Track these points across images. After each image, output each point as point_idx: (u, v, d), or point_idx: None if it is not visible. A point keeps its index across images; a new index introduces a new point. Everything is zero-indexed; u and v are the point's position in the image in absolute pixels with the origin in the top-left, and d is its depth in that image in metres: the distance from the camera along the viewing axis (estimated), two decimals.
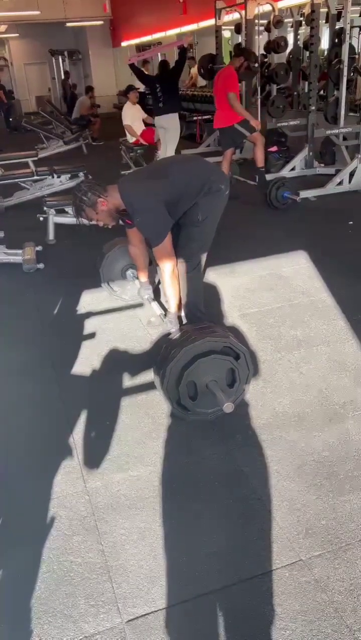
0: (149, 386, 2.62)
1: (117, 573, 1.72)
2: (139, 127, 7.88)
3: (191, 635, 1.53)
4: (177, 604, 1.62)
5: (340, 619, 1.53)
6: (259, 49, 7.85)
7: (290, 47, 8.84)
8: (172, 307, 2.80)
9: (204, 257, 2.88)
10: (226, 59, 8.60)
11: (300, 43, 8.67)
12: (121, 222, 2.86)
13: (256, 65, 7.62)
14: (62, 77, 15.72)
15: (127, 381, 2.76)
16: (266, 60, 8.77)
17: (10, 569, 1.76)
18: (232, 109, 5.64)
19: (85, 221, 2.72)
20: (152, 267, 3.33)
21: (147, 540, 1.83)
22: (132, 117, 7.85)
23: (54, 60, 16.54)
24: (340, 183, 5.97)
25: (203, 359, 2.24)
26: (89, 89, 12.01)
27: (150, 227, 2.67)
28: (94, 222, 2.74)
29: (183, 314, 2.92)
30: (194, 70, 11.56)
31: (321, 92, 8.34)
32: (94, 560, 1.76)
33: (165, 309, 3.06)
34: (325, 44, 8.89)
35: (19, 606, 1.63)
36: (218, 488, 2.04)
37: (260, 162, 6.03)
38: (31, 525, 1.93)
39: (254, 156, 6.10)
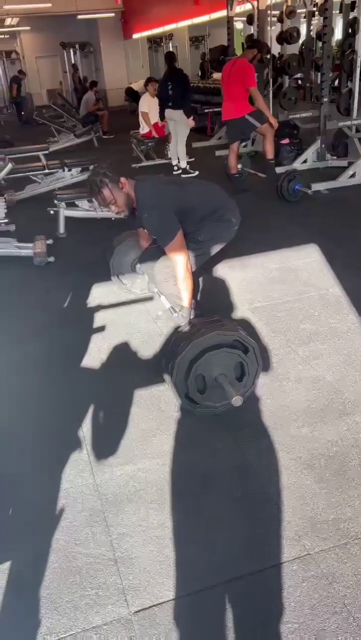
0: (158, 380, 2.62)
1: (125, 565, 1.73)
2: (154, 119, 7.83)
3: (198, 626, 1.54)
4: (185, 595, 1.62)
5: (347, 612, 1.53)
6: (271, 40, 7.76)
7: (303, 37, 8.74)
8: (184, 301, 2.79)
9: (198, 262, 2.87)
10: (238, 51, 8.51)
11: (313, 34, 8.58)
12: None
13: (268, 56, 7.55)
14: (72, 70, 15.70)
15: (137, 374, 2.76)
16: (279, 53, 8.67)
17: (19, 560, 1.77)
18: (244, 100, 5.57)
19: (97, 206, 2.69)
20: (152, 263, 3.32)
21: (155, 533, 1.83)
22: (150, 107, 7.82)
23: (65, 53, 16.52)
24: (353, 176, 5.91)
25: (212, 353, 2.24)
26: (93, 84, 11.94)
27: (158, 227, 2.65)
28: (104, 209, 2.71)
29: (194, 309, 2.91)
30: None
31: (334, 83, 8.24)
32: (102, 552, 1.78)
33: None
34: (338, 34, 8.78)
35: (28, 596, 1.65)
36: (226, 481, 2.04)
37: (270, 154, 5.98)
38: (40, 516, 1.94)
39: (263, 149, 6.05)
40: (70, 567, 1.73)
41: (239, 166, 6.31)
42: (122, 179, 2.59)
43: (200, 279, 2.99)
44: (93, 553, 1.78)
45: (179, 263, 2.63)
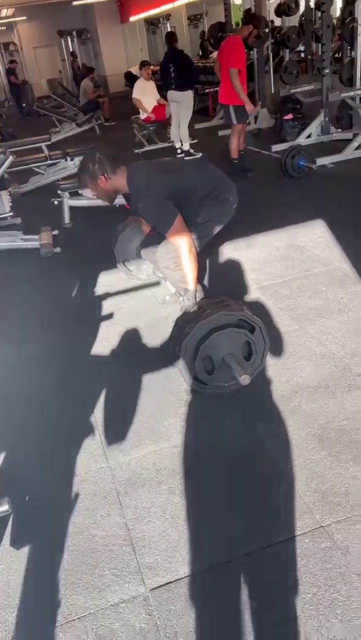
0: (167, 363, 2.64)
1: (140, 544, 1.76)
2: (151, 103, 7.76)
3: (214, 601, 1.57)
4: (200, 572, 1.65)
5: (360, 582, 1.55)
6: (269, 13, 7.61)
7: (302, 8, 8.55)
8: (190, 283, 2.79)
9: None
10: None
11: (312, 4, 8.38)
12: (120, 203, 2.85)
13: (267, 30, 7.42)
14: (71, 58, 15.57)
15: (145, 359, 2.78)
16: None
17: (37, 544, 1.82)
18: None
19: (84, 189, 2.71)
20: (153, 248, 3.31)
21: (169, 512, 1.86)
22: (143, 92, 7.72)
23: (62, 41, 16.37)
24: (358, 148, 5.82)
25: (218, 333, 2.24)
26: (90, 70, 11.80)
27: (155, 215, 2.65)
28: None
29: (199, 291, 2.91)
30: None
31: (336, 54, 8.08)
32: (117, 533, 1.81)
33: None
34: (338, 3, 8.57)
35: (48, 577, 1.69)
36: (237, 458, 2.06)
37: (235, 153, 5.72)
38: (56, 501, 1.98)
39: (229, 146, 5.74)
40: (87, 549, 1.77)
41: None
42: (102, 177, 2.58)
43: (206, 261, 2.97)
44: (109, 534, 1.81)
45: (182, 246, 2.62)
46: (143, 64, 7.94)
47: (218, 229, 2.91)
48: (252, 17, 5.81)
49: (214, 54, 11.41)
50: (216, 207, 2.81)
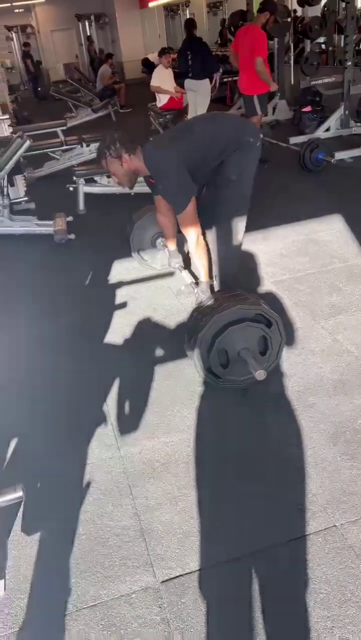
0: (180, 354, 2.62)
1: (151, 536, 1.76)
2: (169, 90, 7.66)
3: (225, 596, 1.56)
4: (211, 566, 1.64)
5: None
6: (291, 2, 7.48)
7: None
8: (202, 275, 2.76)
9: (244, 221, 2.75)
10: None
11: None
12: (148, 186, 2.81)
13: (288, 20, 7.30)
14: (88, 42, 15.45)
15: (159, 350, 2.76)
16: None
17: (49, 531, 1.82)
18: (256, 74, 5.32)
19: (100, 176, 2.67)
20: (181, 235, 3.28)
21: (181, 505, 1.85)
22: (161, 80, 7.63)
23: (80, 25, 16.22)
24: None
25: (235, 327, 2.22)
26: (108, 56, 11.69)
27: (173, 193, 2.60)
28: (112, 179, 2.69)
29: (214, 282, 2.88)
30: None
31: (358, 46, 7.94)
32: (128, 524, 1.81)
33: (196, 278, 3.03)
34: None
35: (59, 567, 1.69)
36: (251, 454, 2.05)
37: None
38: (68, 490, 1.98)
39: None
40: (98, 538, 1.77)
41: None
42: (125, 155, 2.54)
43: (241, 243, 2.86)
44: (120, 524, 1.81)
45: (190, 237, 2.59)
46: (163, 51, 7.82)
47: (253, 172, 2.72)
48: (267, 3, 5.62)
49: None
50: (242, 155, 2.63)
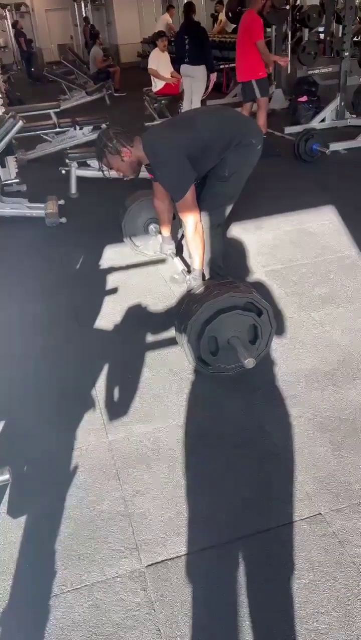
0: (170, 341, 2.62)
1: (137, 520, 1.76)
2: (166, 75, 7.58)
3: (210, 581, 1.57)
4: (197, 551, 1.65)
5: (357, 571, 1.55)
6: None
7: None
8: (196, 263, 2.75)
9: (226, 213, 2.80)
10: None
11: None
12: (148, 174, 2.79)
13: (288, 7, 7.23)
14: (83, 23, 15.20)
15: (149, 336, 2.76)
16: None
17: (34, 514, 1.81)
18: (253, 59, 5.28)
19: (106, 169, 2.65)
20: (175, 221, 3.26)
21: (168, 490, 1.86)
22: (159, 63, 7.55)
23: (76, 5, 15.94)
24: None
25: (225, 314, 2.21)
26: (95, 36, 11.46)
27: (172, 181, 2.60)
28: (113, 172, 2.68)
29: (206, 270, 2.87)
30: (222, 15, 10.99)
31: (356, 37, 7.89)
32: (115, 508, 1.81)
33: (188, 265, 3.02)
34: None
35: (43, 549, 1.69)
36: (239, 442, 2.06)
37: (264, 128, 5.63)
38: (55, 473, 1.98)
39: (256, 121, 5.73)
40: (84, 522, 1.77)
41: None
42: (124, 149, 2.52)
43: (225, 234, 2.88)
44: (107, 509, 1.81)
45: (189, 223, 2.58)
46: (159, 35, 7.72)
47: (248, 175, 2.76)
48: None
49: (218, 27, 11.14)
50: (240, 155, 2.64)
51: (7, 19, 17.09)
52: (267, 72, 5.48)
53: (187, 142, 2.54)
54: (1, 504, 1.85)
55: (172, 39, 7.82)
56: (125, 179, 2.73)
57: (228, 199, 2.76)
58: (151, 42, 11.71)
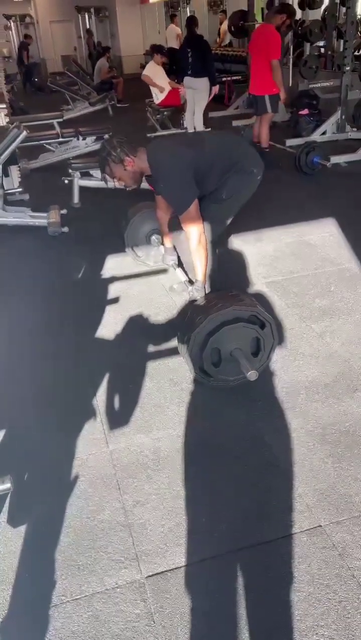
0: (171, 352, 2.63)
1: (137, 531, 1.76)
2: (163, 85, 7.66)
3: (210, 592, 1.57)
4: (197, 562, 1.65)
5: (357, 585, 1.55)
6: (293, 5, 7.50)
7: (326, 3, 8.44)
8: (199, 274, 2.76)
9: (215, 234, 2.81)
10: (258, 16, 8.25)
11: None
12: (148, 185, 2.81)
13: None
14: (86, 35, 15.35)
15: (150, 346, 2.77)
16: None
17: (34, 523, 1.81)
18: (269, 75, 5.33)
19: (108, 178, 2.66)
20: (177, 232, 3.28)
21: (168, 501, 1.86)
22: (155, 73, 7.63)
23: (80, 17, 16.12)
24: None
25: (229, 327, 2.23)
26: (105, 50, 11.62)
27: (175, 194, 2.61)
28: (115, 182, 2.69)
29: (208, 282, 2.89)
30: (224, 26, 11.12)
31: (357, 51, 7.98)
32: (115, 518, 1.81)
33: (189, 276, 3.03)
34: None
35: (43, 559, 1.69)
36: (239, 453, 2.06)
37: (265, 142, 5.77)
38: (55, 483, 1.98)
39: (258, 136, 5.78)
40: (84, 532, 1.77)
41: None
42: (127, 158, 2.54)
43: (217, 252, 2.93)
44: (107, 519, 1.81)
45: (193, 235, 2.59)
46: (155, 50, 7.82)
47: (243, 201, 2.82)
48: (285, 6, 5.71)
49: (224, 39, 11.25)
50: (240, 181, 2.71)
51: (12, 30, 17.27)
52: (282, 96, 5.54)
53: (192, 158, 2.58)
54: (2, 513, 1.85)
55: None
56: (127, 189, 2.75)
57: (219, 222, 2.79)
58: (150, 53, 11.90)
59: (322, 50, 9.16)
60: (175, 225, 2.94)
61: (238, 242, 3.89)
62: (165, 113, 7.83)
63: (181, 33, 10.74)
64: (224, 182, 2.68)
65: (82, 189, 4.90)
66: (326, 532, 1.71)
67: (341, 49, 6.89)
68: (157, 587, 1.59)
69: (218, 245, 2.93)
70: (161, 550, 1.69)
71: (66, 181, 4.91)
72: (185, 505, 1.84)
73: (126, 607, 1.54)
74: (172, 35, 12.28)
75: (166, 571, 1.63)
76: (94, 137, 6.12)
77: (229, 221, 2.83)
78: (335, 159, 5.49)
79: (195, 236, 2.59)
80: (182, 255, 2.96)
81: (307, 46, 8.31)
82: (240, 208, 2.83)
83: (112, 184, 2.69)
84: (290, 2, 7.88)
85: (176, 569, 1.63)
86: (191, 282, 2.90)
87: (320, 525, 1.73)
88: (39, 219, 4.41)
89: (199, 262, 2.69)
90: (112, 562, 1.67)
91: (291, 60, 7.72)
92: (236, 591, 1.56)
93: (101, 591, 1.59)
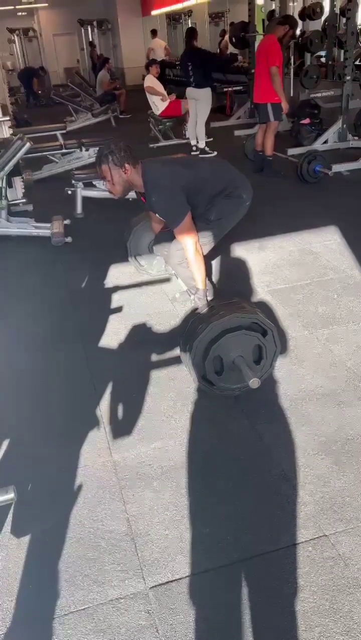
0: (175, 360, 2.63)
1: (141, 541, 1.75)
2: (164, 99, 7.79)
3: (214, 603, 1.56)
4: (201, 572, 1.64)
5: None
6: (293, 15, 7.57)
7: (326, 13, 8.51)
8: (199, 283, 2.77)
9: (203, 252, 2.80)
10: (259, 28, 8.31)
11: (337, 9, 8.33)
12: (136, 196, 2.83)
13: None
14: (89, 47, 15.52)
15: (154, 355, 2.77)
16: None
17: (38, 534, 1.81)
18: (269, 81, 5.40)
19: (99, 177, 2.65)
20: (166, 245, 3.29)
21: (172, 511, 1.85)
22: (155, 85, 7.76)
23: (82, 30, 16.30)
24: None
25: (231, 335, 2.23)
26: (105, 61, 11.74)
27: (168, 209, 2.63)
28: (104, 184, 2.68)
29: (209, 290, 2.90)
30: (226, 37, 11.23)
31: (358, 61, 8.03)
32: (119, 529, 1.80)
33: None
34: None
35: (47, 569, 1.68)
36: (242, 462, 2.05)
37: (270, 150, 5.80)
38: (59, 492, 1.97)
39: (263, 145, 5.82)
40: (88, 542, 1.76)
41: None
42: (127, 165, 2.54)
43: (217, 260, 2.95)
44: (110, 529, 1.80)
45: (188, 246, 2.60)
46: (151, 63, 8.03)
47: (230, 225, 2.89)
48: (287, 17, 5.78)
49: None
50: (229, 205, 2.80)
51: (15, 43, 17.46)
52: (283, 106, 5.54)
53: (186, 177, 2.64)
54: (5, 523, 1.85)
55: (177, 62, 8.07)
56: (113, 196, 2.73)
57: (207, 242, 2.81)
58: (146, 67, 12.08)
59: (323, 60, 9.23)
60: (165, 237, 2.96)
61: (241, 251, 3.90)
62: (167, 123, 7.90)
63: (166, 45, 10.92)
64: (213, 204, 2.75)
65: (85, 200, 4.93)
66: (331, 541, 1.70)
67: (342, 59, 6.93)
68: (161, 598, 1.58)
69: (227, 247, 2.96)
70: (165, 560, 1.69)
71: (69, 192, 4.94)
72: (189, 515, 1.83)
73: (130, 618, 1.53)
74: (161, 50, 12.57)
75: (170, 582, 1.62)
76: (97, 148, 6.14)
77: (215, 243, 2.87)
78: (337, 168, 5.51)
79: (191, 246, 2.60)
80: (172, 267, 2.97)
81: (308, 56, 8.37)
82: (227, 231, 2.90)
83: (100, 184, 2.70)
84: (291, 13, 7.95)
85: (180, 579, 1.63)
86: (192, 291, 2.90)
87: (325, 535, 1.72)
88: (43, 230, 4.43)
89: (198, 271, 2.69)
90: (116, 573, 1.66)
91: (292, 70, 7.77)
92: (240, 602, 1.55)
93: (105, 602, 1.58)
